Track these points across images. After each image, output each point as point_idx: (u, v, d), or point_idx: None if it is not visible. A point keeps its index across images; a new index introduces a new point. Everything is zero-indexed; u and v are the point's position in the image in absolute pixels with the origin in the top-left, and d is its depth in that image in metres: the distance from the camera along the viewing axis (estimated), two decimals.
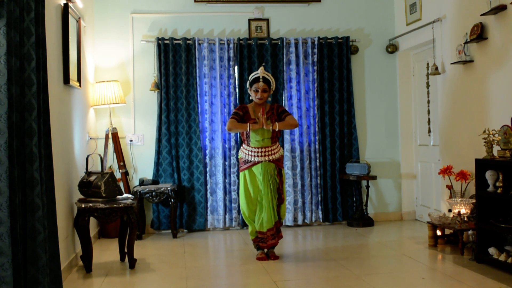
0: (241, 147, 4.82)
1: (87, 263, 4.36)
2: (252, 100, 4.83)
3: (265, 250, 4.79)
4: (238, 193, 5.79)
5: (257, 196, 4.70)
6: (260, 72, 4.70)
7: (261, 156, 4.65)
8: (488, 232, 4.36)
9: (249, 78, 4.78)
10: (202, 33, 6.33)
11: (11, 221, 2.89)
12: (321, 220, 6.35)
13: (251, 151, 4.69)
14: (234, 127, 4.65)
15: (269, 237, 4.69)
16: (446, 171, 5.07)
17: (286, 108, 6.12)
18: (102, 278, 4.23)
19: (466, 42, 5.00)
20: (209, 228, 6.21)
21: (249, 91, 4.80)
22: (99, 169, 4.83)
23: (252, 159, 4.67)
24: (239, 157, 4.85)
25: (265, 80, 4.67)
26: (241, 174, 4.79)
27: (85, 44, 5.45)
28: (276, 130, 4.62)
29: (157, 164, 6.12)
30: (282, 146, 6.19)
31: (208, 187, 6.17)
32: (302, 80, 6.30)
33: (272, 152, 4.69)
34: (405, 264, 4.52)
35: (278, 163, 4.73)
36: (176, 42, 6.13)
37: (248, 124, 4.60)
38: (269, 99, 4.85)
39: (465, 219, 4.79)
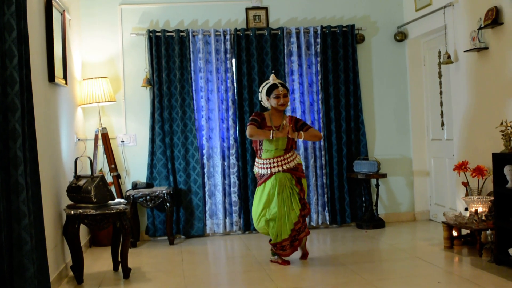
0: (255, 162, 4.90)
1: (78, 274, 4.36)
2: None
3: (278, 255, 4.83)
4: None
5: (268, 207, 4.71)
6: (272, 79, 4.85)
7: (274, 167, 4.72)
8: (507, 231, 4.35)
9: (262, 89, 4.91)
10: (196, 24, 6.33)
11: None
12: (328, 223, 6.36)
13: (264, 164, 4.76)
14: (255, 134, 4.69)
15: (287, 246, 4.70)
16: (461, 167, 5.07)
17: (288, 106, 6.18)
18: None
19: (480, 28, 4.99)
20: (208, 233, 6.22)
21: (265, 101, 4.89)
22: (89, 172, 4.83)
23: (265, 172, 4.74)
24: (255, 172, 4.93)
25: (283, 85, 4.81)
26: (257, 189, 4.87)
27: (71, 38, 5.45)
28: (301, 139, 4.73)
29: (151, 166, 6.12)
30: None
31: (206, 189, 6.17)
32: (305, 73, 6.30)
33: (286, 161, 4.73)
34: (420, 267, 4.52)
35: (295, 172, 4.76)
36: (168, 35, 6.13)
37: (271, 131, 4.66)
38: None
39: (483, 218, 4.79)
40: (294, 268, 4.67)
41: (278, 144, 4.73)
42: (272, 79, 4.87)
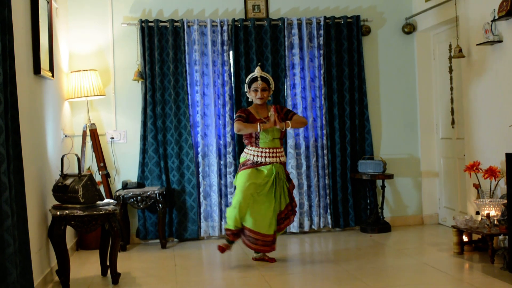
0: (246, 149, 5.05)
1: (63, 279, 4.35)
2: (250, 103, 5.16)
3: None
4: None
5: (256, 192, 4.86)
6: (257, 72, 5.06)
7: (273, 157, 4.94)
8: None
9: (246, 80, 5.15)
10: (191, 14, 6.32)
11: None
12: (330, 226, 6.36)
13: (261, 152, 4.93)
14: (244, 127, 4.91)
15: (265, 242, 4.89)
16: (472, 167, 5.07)
17: (289, 102, 6.27)
18: None
19: (494, 20, 4.99)
20: (203, 236, 6.22)
21: (247, 94, 5.15)
22: (76, 171, 4.83)
23: (262, 160, 4.92)
24: (242, 160, 5.05)
25: (264, 79, 5.03)
26: (242, 172, 4.97)
27: (58, 28, 5.44)
28: (289, 128, 4.91)
29: (143, 164, 6.11)
30: (285, 141, 6.18)
31: (201, 190, 6.17)
32: (307, 66, 6.30)
33: (281, 154, 5.00)
34: (427, 274, 4.52)
35: (285, 166, 5.06)
36: (162, 25, 6.12)
37: (258, 124, 4.86)
38: (270, 99, 5.22)
39: (495, 222, 4.79)
40: (293, 273, 4.68)
41: (274, 134, 4.92)
42: (256, 72, 5.06)
